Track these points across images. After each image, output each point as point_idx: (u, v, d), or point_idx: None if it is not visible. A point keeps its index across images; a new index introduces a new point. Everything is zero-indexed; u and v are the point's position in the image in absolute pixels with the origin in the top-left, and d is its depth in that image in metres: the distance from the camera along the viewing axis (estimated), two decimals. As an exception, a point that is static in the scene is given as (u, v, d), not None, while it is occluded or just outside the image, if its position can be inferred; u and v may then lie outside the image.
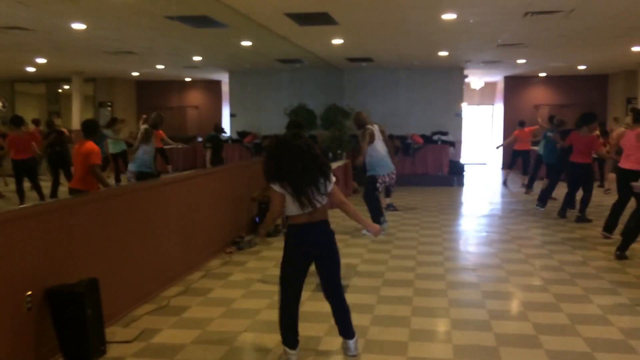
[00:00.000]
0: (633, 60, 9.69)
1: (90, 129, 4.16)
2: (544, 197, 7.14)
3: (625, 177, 4.92)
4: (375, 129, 5.66)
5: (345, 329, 2.68)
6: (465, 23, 6.23)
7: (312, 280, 4.03)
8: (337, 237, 6.04)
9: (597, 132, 7.00)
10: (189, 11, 5.57)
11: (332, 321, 3.22)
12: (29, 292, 2.53)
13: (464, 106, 11.76)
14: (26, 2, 5.21)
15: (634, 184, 4.68)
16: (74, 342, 2.61)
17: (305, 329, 3.10)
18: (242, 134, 11.17)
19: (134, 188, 3.83)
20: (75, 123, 10.92)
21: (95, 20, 6.29)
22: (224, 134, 9.11)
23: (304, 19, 5.95)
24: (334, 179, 2.56)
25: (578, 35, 7.00)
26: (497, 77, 13.41)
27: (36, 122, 9.75)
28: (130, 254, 3.43)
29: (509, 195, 8.87)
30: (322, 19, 5.93)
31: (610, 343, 2.91)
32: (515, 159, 9.58)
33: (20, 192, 6.46)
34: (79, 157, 4.07)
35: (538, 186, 8.55)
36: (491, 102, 14.62)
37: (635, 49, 8.26)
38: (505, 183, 9.72)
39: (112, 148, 8.52)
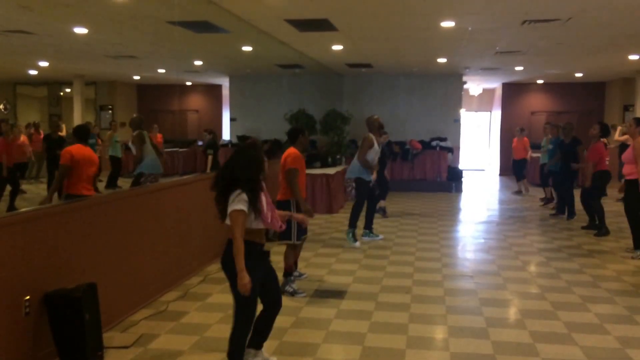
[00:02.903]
0: (630, 68, 9.77)
1: (84, 133, 4.13)
2: (571, 208, 6.93)
3: None
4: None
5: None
6: (463, 31, 6.29)
7: (310, 286, 4.05)
8: (336, 242, 6.04)
9: (605, 140, 6.92)
10: (191, 16, 5.61)
11: (331, 327, 3.24)
12: (28, 297, 2.54)
13: (463, 112, 11.81)
14: (30, 7, 5.25)
15: None
16: (72, 347, 2.61)
17: (303, 336, 3.11)
18: (242, 138, 11.20)
19: (132, 193, 3.84)
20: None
21: (97, 25, 6.32)
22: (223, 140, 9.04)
23: (304, 25, 6.00)
24: (235, 205, 2.28)
25: (575, 43, 7.06)
26: (495, 84, 13.49)
27: (36, 125, 9.76)
28: (129, 259, 3.43)
29: (506, 201, 8.89)
30: (322, 25, 5.98)
31: (607, 352, 2.92)
32: (522, 168, 9.52)
33: None
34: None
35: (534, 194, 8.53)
36: (489, 109, 14.70)
37: (632, 57, 8.33)
38: (523, 192, 9.49)
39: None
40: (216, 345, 2.96)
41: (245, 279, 2.26)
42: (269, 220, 2.44)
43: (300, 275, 4.24)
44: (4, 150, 6.42)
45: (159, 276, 3.81)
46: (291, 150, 3.96)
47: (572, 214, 6.99)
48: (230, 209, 2.32)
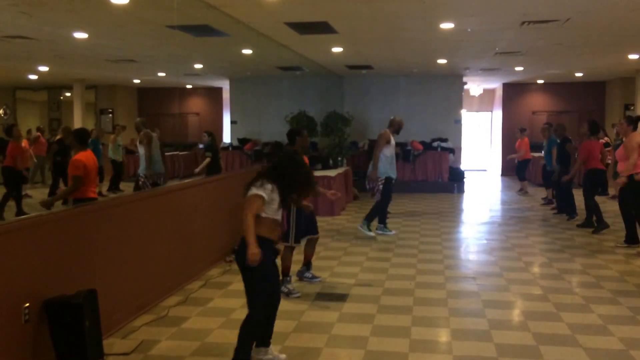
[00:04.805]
0: (630, 68, 9.75)
1: (85, 137, 4.14)
2: (571, 207, 6.94)
3: None
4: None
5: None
6: (463, 32, 6.29)
7: (311, 290, 4.03)
8: (337, 244, 6.06)
9: (607, 139, 6.95)
10: (190, 20, 5.61)
11: (333, 331, 3.22)
12: (27, 304, 2.52)
13: (463, 113, 11.80)
14: (29, 12, 5.26)
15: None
16: (72, 354, 2.60)
17: (305, 340, 3.09)
18: (243, 141, 11.19)
19: (132, 198, 3.83)
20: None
21: (97, 30, 6.34)
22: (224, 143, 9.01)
23: (304, 28, 6.01)
24: (255, 190, 2.52)
25: (574, 43, 7.05)
26: (495, 84, 13.48)
27: (41, 130, 9.77)
28: (129, 264, 3.42)
29: (508, 202, 8.87)
30: (321, 28, 5.98)
31: (611, 353, 2.90)
32: (524, 169, 9.57)
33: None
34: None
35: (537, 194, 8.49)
36: (490, 109, 14.68)
37: (631, 56, 8.32)
38: (524, 191, 9.52)
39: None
40: (218, 351, 2.94)
41: (254, 249, 2.40)
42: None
43: (313, 277, 4.20)
44: (17, 154, 6.44)
45: (160, 281, 3.79)
46: None
47: (572, 212, 6.96)
48: (250, 193, 2.49)
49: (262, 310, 2.50)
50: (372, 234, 5.71)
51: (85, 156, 3.95)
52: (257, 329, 2.51)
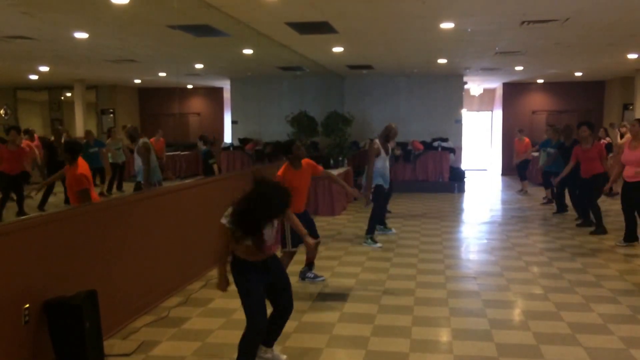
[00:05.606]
0: (629, 67, 9.74)
1: (78, 150, 4.04)
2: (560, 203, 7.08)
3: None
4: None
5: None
6: (463, 32, 6.29)
7: (312, 291, 4.04)
8: (338, 244, 6.07)
9: (608, 140, 6.83)
10: (191, 20, 5.61)
11: (334, 331, 3.22)
12: (27, 305, 2.53)
13: (464, 112, 11.80)
14: (30, 13, 5.27)
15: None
16: (72, 356, 2.60)
17: (306, 340, 3.10)
18: (244, 141, 11.19)
19: (132, 199, 3.84)
20: (79, 130, 11.01)
21: (97, 30, 6.34)
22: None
23: (304, 28, 6.01)
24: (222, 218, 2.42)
25: (574, 43, 7.05)
26: (495, 84, 13.48)
27: (30, 132, 9.72)
28: (129, 265, 3.42)
29: (509, 201, 8.87)
30: (322, 27, 5.98)
31: (611, 352, 2.91)
32: (525, 169, 9.60)
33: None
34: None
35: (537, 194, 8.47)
36: (490, 109, 14.68)
37: (630, 56, 8.31)
38: (524, 191, 9.56)
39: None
40: (218, 351, 2.95)
41: (219, 281, 2.52)
42: (266, 246, 2.47)
43: (316, 277, 4.22)
44: (4, 157, 6.42)
45: (160, 282, 3.79)
46: (282, 167, 3.93)
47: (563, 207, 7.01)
48: (221, 220, 2.45)
49: (254, 323, 2.42)
50: (379, 245, 5.51)
51: (82, 167, 3.89)
52: (250, 345, 2.46)
